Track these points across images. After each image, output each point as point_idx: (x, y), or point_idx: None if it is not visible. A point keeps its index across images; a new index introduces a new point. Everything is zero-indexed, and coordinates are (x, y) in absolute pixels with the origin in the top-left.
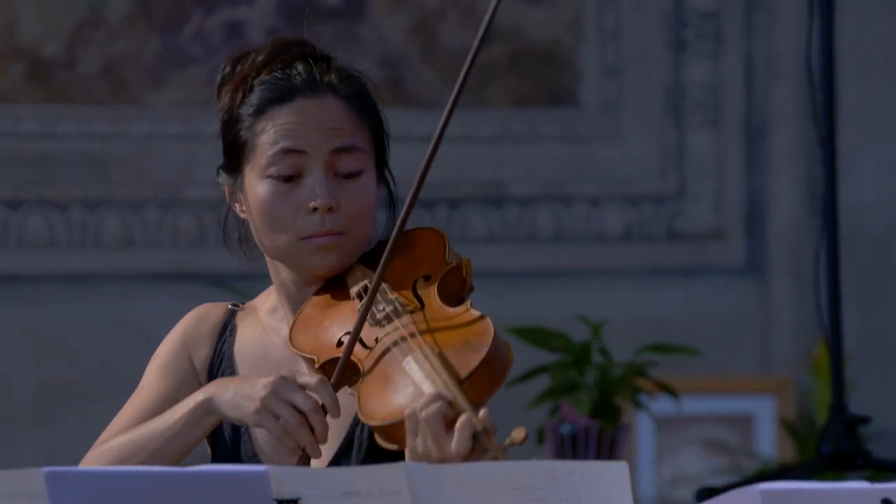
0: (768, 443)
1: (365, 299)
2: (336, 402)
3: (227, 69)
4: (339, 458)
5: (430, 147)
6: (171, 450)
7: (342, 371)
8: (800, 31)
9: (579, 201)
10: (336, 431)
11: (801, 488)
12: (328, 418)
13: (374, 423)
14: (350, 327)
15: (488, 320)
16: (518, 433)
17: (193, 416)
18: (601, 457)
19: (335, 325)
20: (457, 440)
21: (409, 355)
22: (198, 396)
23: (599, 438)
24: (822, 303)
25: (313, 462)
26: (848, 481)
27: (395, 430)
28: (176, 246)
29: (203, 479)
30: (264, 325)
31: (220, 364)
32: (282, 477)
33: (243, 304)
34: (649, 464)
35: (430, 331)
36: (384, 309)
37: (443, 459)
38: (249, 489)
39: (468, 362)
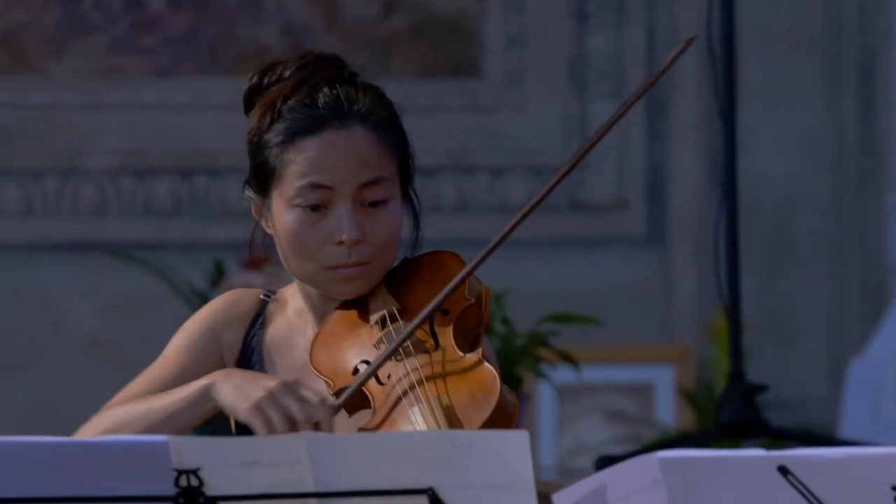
0: (668, 411)
1: (386, 331)
2: (331, 425)
3: (254, 80)
4: None
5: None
6: (167, 427)
7: (351, 399)
8: (701, 2)
9: (482, 172)
10: None
11: (699, 456)
12: None
13: None
14: (366, 354)
15: (496, 377)
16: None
17: (193, 398)
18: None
19: (353, 349)
20: None
21: (416, 406)
22: (203, 381)
23: None
24: (722, 273)
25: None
26: (745, 449)
27: None
28: (77, 216)
29: (103, 450)
30: (293, 322)
31: (250, 354)
32: (182, 447)
33: (275, 293)
34: (550, 433)
35: (442, 376)
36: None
37: None
38: (150, 459)
39: (472, 420)
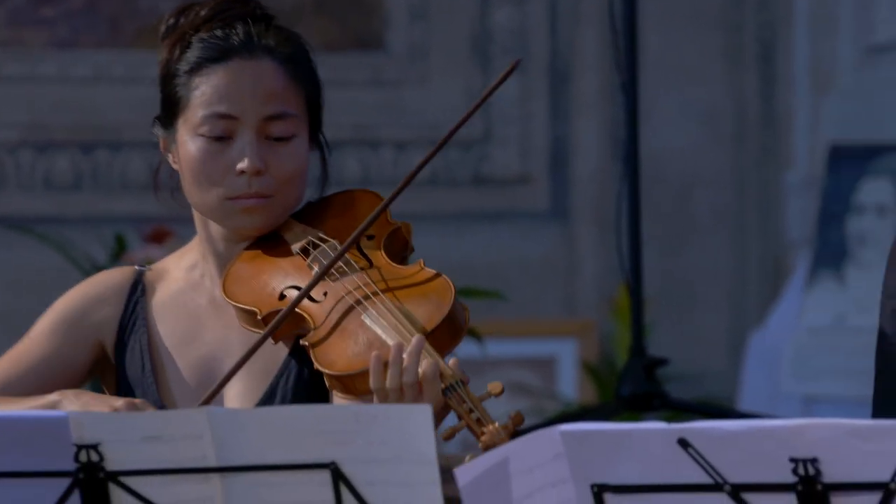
0: (570, 385)
1: (313, 254)
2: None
3: (171, 21)
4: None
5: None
6: None
7: (286, 321)
8: None
9: (386, 146)
10: (258, 382)
11: (601, 429)
12: (248, 377)
13: (333, 372)
14: (293, 280)
15: (447, 278)
16: (494, 386)
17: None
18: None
19: (275, 278)
20: (427, 389)
21: (370, 309)
22: (52, 396)
23: None
24: (624, 247)
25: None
26: (646, 422)
27: (356, 380)
28: None
29: (1, 425)
30: (183, 280)
31: (133, 322)
32: (82, 421)
33: (149, 266)
34: None
35: (387, 286)
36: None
37: None
38: (49, 434)
39: (432, 316)
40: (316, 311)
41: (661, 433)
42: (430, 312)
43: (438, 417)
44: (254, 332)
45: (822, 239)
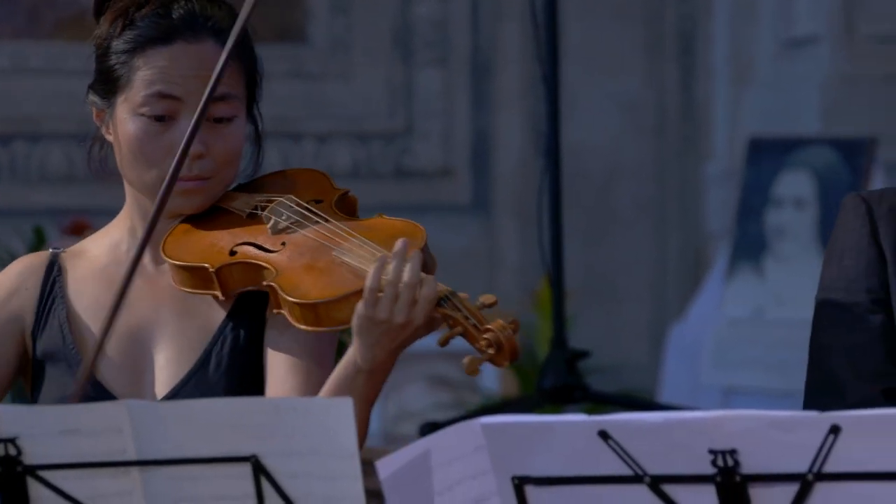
0: (492, 378)
1: (263, 207)
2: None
3: None
4: (193, 375)
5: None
6: None
7: (242, 273)
8: None
9: (308, 138)
10: (191, 348)
11: (521, 421)
12: (180, 342)
13: (309, 300)
14: (244, 239)
15: (417, 224)
16: (487, 297)
17: None
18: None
19: (223, 239)
20: (426, 292)
21: (340, 246)
22: None
23: None
24: (545, 240)
25: (165, 381)
26: (567, 414)
27: (332, 307)
28: None
29: None
30: (105, 258)
31: (52, 300)
32: (0, 415)
33: (64, 249)
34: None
35: (354, 232)
36: (287, 218)
37: (408, 323)
38: None
39: (409, 248)
40: (276, 258)
41: (581, 425)
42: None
43: (425, 329)
44: (195, 293)
45: (741, 231)
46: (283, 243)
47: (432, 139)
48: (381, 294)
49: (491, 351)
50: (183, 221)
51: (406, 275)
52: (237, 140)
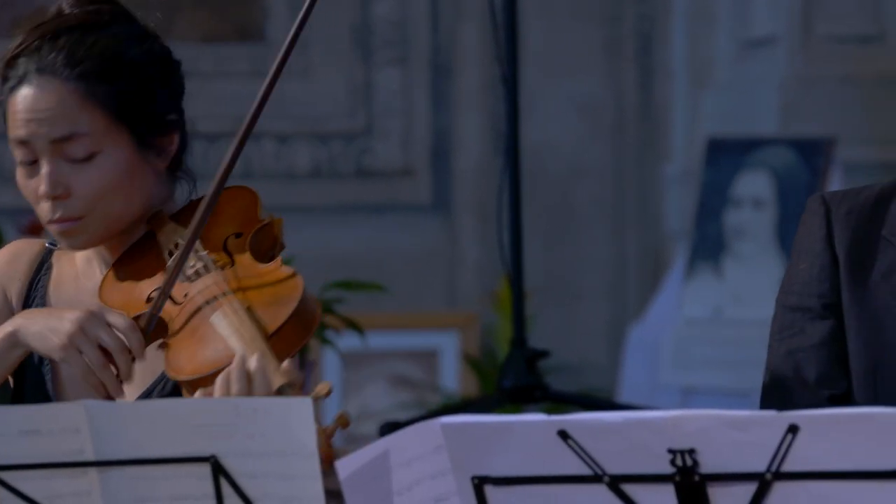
0: (452, 378)
1: (175, 255)
2: (143, 346)
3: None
4: None
5: (258, 99)
6: None
7: (150, 326)
8: None
9: (268, 138)
10: (136, 385)
11: (481, 421)
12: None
13: (181, 377)
14: (159, 282)
15: (299, 277)
16: (322, 387)
17: (0, 348)
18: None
19: (145, 281)
20: (256, 387)
21: (218, 311)
22: (6, 328)
23: None
24: (505, 240)
25: None
26: (527, 414)
27: (201, 384)
28: None
29: None
30: (79, 268)
31: (34, 299)
32: None
33: (58, 246)
34: (335, 399)
35: (240, 288)
36: (195, 265)
37: None
38: None
39: (276, 317)
40: (175, 313)
41: (541, 425)
42: (274, 313)
43: None
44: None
45: (699, 232)
46: (186, 295)
47: (392, 139)
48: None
49: None
50: (128, 249)
51: (233, 388)
52: (105, 176)
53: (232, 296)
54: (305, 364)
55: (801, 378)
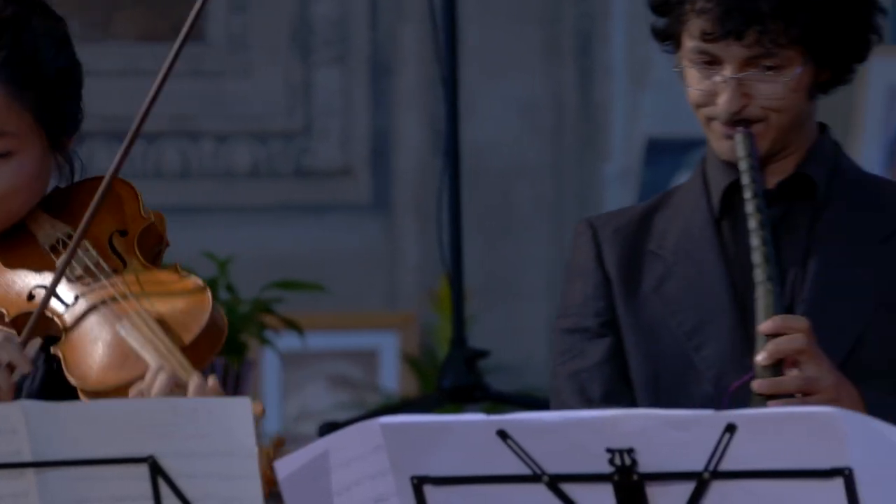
0: (392, 378)
1: (64, 255)
2: (26, 360)
3: None
4: None
5: (149, 98)
6: None
7: (34, 327)
8: None
9: (207, 137)
10: None
11: (420, 421)
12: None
13: (87, 388)
14: (43, 279)
15: (208, 290)
16: (255, 407)
17: None
18: (227, 393)
19: (25, 277)
20: None
21: (124, 319)
22: None
23: (225, 375)
24: (445, 240)
25: None
26: (466, 414)
27: (112, 394)
28: None
29: None
30: None
31: None
32: None
33: None
34: (275, 400)
35: (142, 291)
36: (84, 264)
37: None
38: None
39: (190, 329)
40: (67, 316)
41: (480, 425)
42: (187, 324)
43: None
44: (4, 330)
45: None
46: (77, 297)
47: (332, 138)
48: None
49: None
50: None
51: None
52: (15, 176)
53: (136, 303)
54: (245, 364)
55: (587, 398)
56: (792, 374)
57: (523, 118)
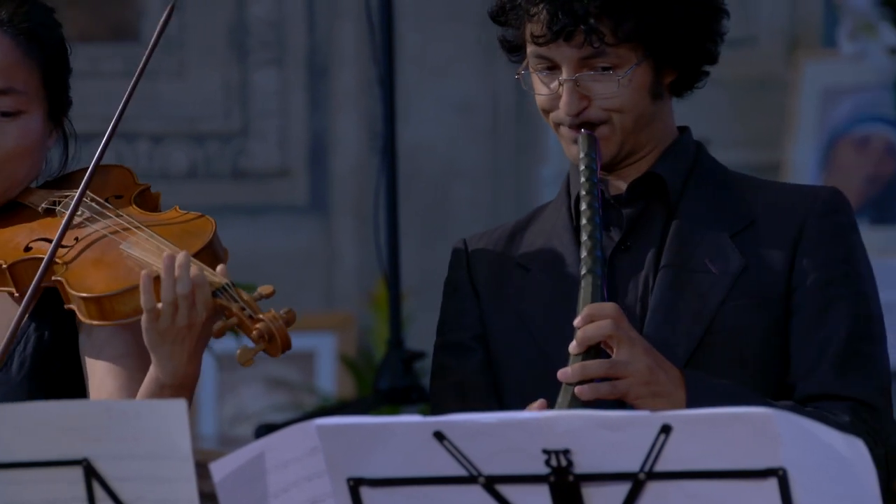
0: (329, 379)
1: (75, 197)
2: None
3: None
4: None
5: (129, 89)
6: None
7: (45, 270)
8: None
9: (143, 139)
10: None
11: (357, 422)
12: None
13: (93, 294)
14: (38, 235)
15: (209, 217)
16: (265, 288)
17: None
18: None
19: (18, 235)
20: (198, 295)
21: (126, 241)
22: None
23: None
24: (382, 241)
25: None
26: (403, 415)
27: (117, 301)
28: None
29: None
30: None
31: None
32: None
33: None
34: (210, 402)
35: (143, 224)
36: (81, 213)
37: (192, 325)
38: None
39: (193, 244)
40: (67, 254)
41: (417, 426)
42: (191, 242)
43: (211, 323)
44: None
45: None
46: (76, 238)
47: (269, 140)
48: (160, 306)
49: (262, 341)
50: None
51: (179, 287)
52: (22, 136)
53: (140, 229)
54: None
55: (470, 409)
56: (597, 360)
57: (460, 120)
